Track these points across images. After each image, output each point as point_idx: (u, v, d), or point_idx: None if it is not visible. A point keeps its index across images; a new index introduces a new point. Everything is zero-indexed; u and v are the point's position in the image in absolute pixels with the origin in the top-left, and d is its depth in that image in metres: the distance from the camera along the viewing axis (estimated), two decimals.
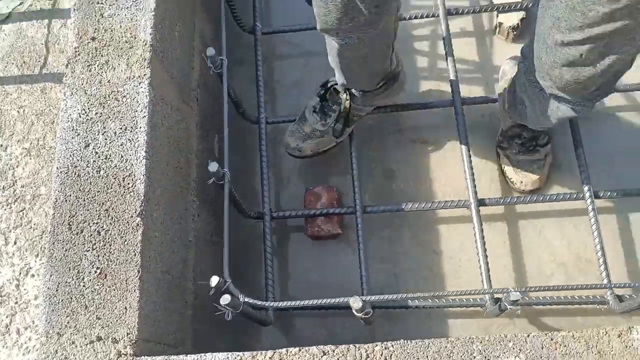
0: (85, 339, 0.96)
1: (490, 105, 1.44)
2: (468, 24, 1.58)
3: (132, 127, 1.08)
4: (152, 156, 1.08)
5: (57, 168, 1.06)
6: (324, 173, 1.47)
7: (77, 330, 0.97)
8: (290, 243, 1.44)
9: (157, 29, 1.16)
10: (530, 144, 1.36)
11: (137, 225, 1.02)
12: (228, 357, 0.94)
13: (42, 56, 1.57)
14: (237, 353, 0.94)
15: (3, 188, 1.40)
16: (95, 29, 1.15)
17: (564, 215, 1.39)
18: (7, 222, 1.37)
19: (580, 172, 1.32)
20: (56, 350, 0.96)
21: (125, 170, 1.05)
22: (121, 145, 1.07)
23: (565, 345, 0.91)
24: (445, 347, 0.92)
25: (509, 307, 1.06)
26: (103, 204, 1.04)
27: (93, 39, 1.14)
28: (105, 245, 1.01)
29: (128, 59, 1.12)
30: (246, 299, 1.07)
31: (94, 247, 1.01)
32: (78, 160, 1.07)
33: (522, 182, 1.38)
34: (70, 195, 1.05)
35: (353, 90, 1.28)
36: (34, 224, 1.38)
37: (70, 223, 1.03)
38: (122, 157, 1.06)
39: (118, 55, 1.13)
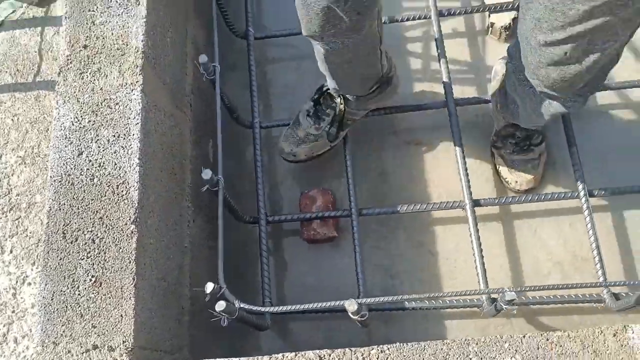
0: (81, 347, 0.96)
1: (484, 105, 1.45)
2: (460, 25, 1.58)
3: (125, 135, 1.08)
4: (146, 163, 1.08)
5: (50, 177, 1.06)
6: (319, 176, 1.47)
7: (72, 339, 0.97)
8: (286, 247, 1.44)
9: (149, 36, 1.16)
10: (524, 143, 1.37)
11: (132, 232, 1.02)
12: None
13: (36, 64, 1.57)
14: (234, 359, 0.94)
15: None
16: (87, 36, 1.15)
17: (559, 214, 1.39)
18: (3, 231, 1.37)
19: (574, 170, 1.33)
20: None
21: (119, 177, 1.05)
22: (114, 152, 1.07)
23: (561, 345, 0.91)
24: (441, 349, 0.92)
25: (504, 307, 1.06)
26: (97, 212, 1.04)
27: (85, 46, 1.14)
28: (100, 253, 1.01)
29: (120, 66, 1.12)
30: (242, 305, 1.07)
31: (89, 255, 1.01)
32: (71, 168, 1.07)
33: (516, 181, 1.38)
34: (64, 204, 1.05)
35: (347, 95, 1.28)
36: (30, 232, 1.37)
37: (65, 232, 1.03)
38: (115, 164, 1.06)
39: (110, 63, 1.13)
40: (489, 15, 1.54)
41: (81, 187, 1.05)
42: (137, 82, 1.11)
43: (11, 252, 1.36)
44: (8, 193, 1.40)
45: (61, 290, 0.99)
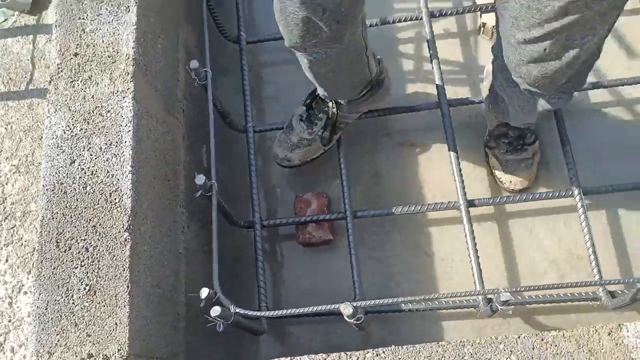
0: (76, 356, 0.96)
1: (477, 106, 1.45)
2: (452, 25, 1.58)
3: (117, 142, 1.08)
4: (139, 170, 1.08)
5: (43, 186, 1.06)
6: (313, 179, 1.47)
7: (67, 348, 0.97)
8: (281, 251, 1.44)
9: (140, 43, 1.16)
10: (518, 143, 1.37)
11: (125, 240, 1.02)
12: None
13: (28, 72, 1.57)
14: None
15: None
16: (78, 44, 1.15)
17: (554, 212, 1.40)
18: None
19: (568, 169, 1.33)
20: None
21: (111, 185, 1.05)
22: (107, 160, 1.07)
23: (556, 345, 0.91)
24: (437, 351, 0.92)
25: (500, 307, 1.06)
26: (90, 220, 1.04)
27: (75, 54, 1.14)
28: (93, 261, 1.01)
29: (111, 73, 1.12)
30: (237, 310, 1.07)
31: (83, 263, 1.01)
32: (64, 177, 1.07)
33: (511, 181, 1.38)
34: (57, 213, 1.04)
35: (338, 99, 1.29)
36: (25, 241, 1.37)
37: (58, 240, 1.03)
38: (108, 172, 1.06)
39: (101, 71, 1.13)
40: (481, 16, 1.54)
41: (74, 196, 1.05)
42: (128, 89, 1.11)
43: (7, 261, 1.36)
44: (3, 202, 1.40)
45: (55, 300, 0.99)
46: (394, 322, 1.34)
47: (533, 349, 0.91)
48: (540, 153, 1.42)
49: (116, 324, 0.97)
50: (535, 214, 1.40)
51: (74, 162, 1.07)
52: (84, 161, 1.07)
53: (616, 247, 1.35)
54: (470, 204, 1.31)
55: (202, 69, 1.24)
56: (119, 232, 1.02)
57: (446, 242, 1.39)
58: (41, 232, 1.03)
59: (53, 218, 1.04)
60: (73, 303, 0.99)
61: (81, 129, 1.09)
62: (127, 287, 0.99)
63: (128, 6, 1.17)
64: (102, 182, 1.06)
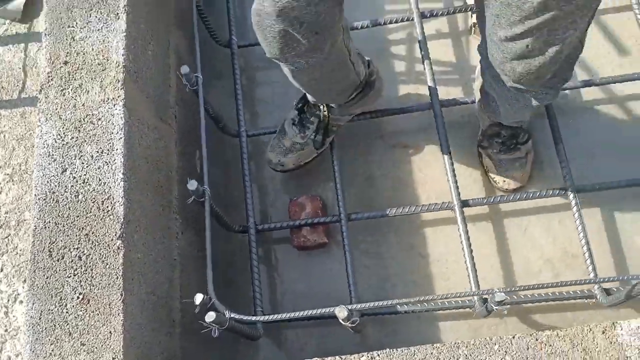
0: None
1: (470, 106, 1.45)
2: (443, 26, 1.59)
3: (108, 150, 1.08)
4: (130, 177, 1.08)
5: (35, 195, 1.06)
6: (307, 182, 1.47)
7: (62, 357, 0.96)
8: (277, 255, 1.44)
9: (130, 50, 1.16)
10: (511, 142, 1.37)
11: (118, 248, 1.02)
12: None
13: (21, 80, 1.56)
14: None
15: None
16: (67, 52, 1.15)
17: (549, 211, 1.40)
18: None
19: (561, 167, 1.33)
20: None
21: (103, 193, 1.05)
22: (98, 168, 1.07)
23: (550, 345, 0.91)
24: (431, 353, 0.92)
25: (495, 308, 1.06)
26: (83, 228, 1.03)
27: (65, 63, 1.14)
28: (86, 270, 1.01)
29: (101, 81, 1.12)
30: (232, 315, 1.07)
31: (76, 272, 1.01)
32: (56, 186, 1.06)
33: (504, 181, 1.38)
34: (49, 222, 1.04)
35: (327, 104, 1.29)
36: (20, 250, 1.37)
37: (51, 250, 1.03)
38: (100, 180, 1.06)
39: (91, 78, 1.13)
40: (472, 15, 1.54)
41: (66, 205, 1.05)
42: (119, 96, 1.11)
43: (2, 270, 1.36)
44: None
45: (49, 309, 0.99)
46: (390, 323, 1.34)
47: (527, 349, 0.91)
48: (533, 152, 1.42)
49: (110, 332, 0.97)
50: (530, 213, 1.40)
51: (65, 170, 1.07)
52: (75, 170, 1.07)
53: (611, 245, 1.35)
54: (464, 204, 1.31)
55: (193, 74, 1.24)
56: (112, 240, 1.02)
57: (441, 242, 1.39)
58: (34, 241, 1.03)
59: (45, 227, 1.04)
60: (67, 312, 0.99)
61: (72, 138, 1.09)
62: (121, 295, 0.99)
63: (117, 13, 1.17)
64: (94, 190, 1.05)
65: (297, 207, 1.40)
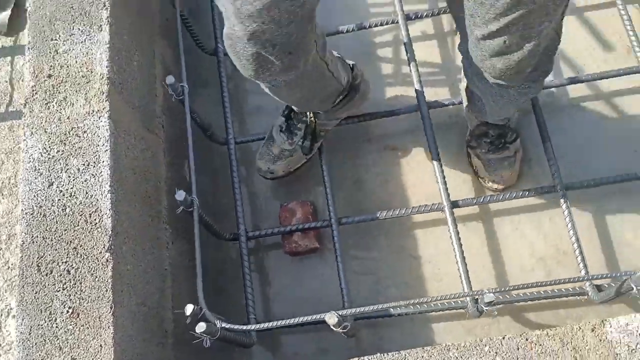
0: None
1: (458, 106, 1.45)
2: (429, 27, 1.59)
3: (94, 162, 1.07)
4: (118, 189, 1.08)
5: (22, 210, 1.06)
6: (297, 188, 1.47)
7: None
8: (269, 261, 1.44)
9: (114, 61, 1.16)
10: (499, 141, 1.37)
11: (107, 260, 1.02)
12: None
13: (8, 94, 1.56)
14: None
15: None
16: (51, 66, 1.15)
17: (539, 209, 1.40)
18: None
19: (549, 165, 1.33)
20: None
21: (90, 206, 1.05)
22: (85, 181, 1.06)
23: (540, 345, 0.91)
24: (422, 356, 0.92)
25: (485, 308, 1.06)
26: (71, 242, 1.03)
27: (49, 76, 1.14)
28: (75, 283, 1.01)
29: (86, 93, 1.12)
30: (223, 325, 1.07)
31: (65, 286, 1.01)
32: (43, 200, 1.06)
33: (494, 180, 1.39)
34: (37, 237, 1.04)
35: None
36: (11, 264, 1.36)
37: (39, 264, 1.02)
38: (87, 193, 1.06)
39: (76, 91, 1.12)
40: None
41: (53, 218, 1.05)
42: (104, 108, 1.11)
43: None
44: None
45: (38, 324, 0.99)
46: (383, 326, 1.34)
47: (518, 349, 0.91)
48: (522, 151, 1.42)
49: (101, 345, 0.97)
50: (520, 211, 1.40)
51: (52, 184, 1.07)
52: (62, 183, 1.07)
53: (602, 241, 1.36)
54: (454, 205, 1.31)
55: (178, 84, 1.24)
56: (100, 252, 1.02)
57: (433, 244, 1.39)
58: (22, 256, 1.03)
59: (33, 242, 1.04)
60: (57, 327, 0.98)
61: (58, 151, 1.09)
62: (111, 307, 0.99)
63: (100, 25, 1.16)
64: (81, 203, 1.05)
65: (287, 213, 1.40)
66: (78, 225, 1.04)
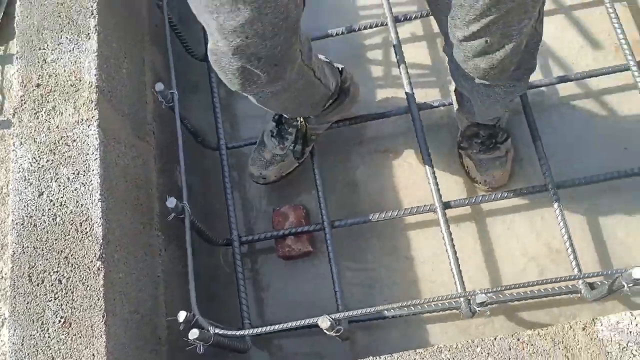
0: None
1: (449, 107, 1.46)
2: (418, 29, 1.59)
3: (84, 171, 1.07)
4: (108, 197, 1.08)
5: (12, 220, 1.06)
6: (290, 192, 1.47)
7: None
8: (262, 266, 1.44)
9: (102, 69, 1.16)
10: (490, 142, 1.37)
11: (98, 269, 1.02)
12: None
13: None
14: None
15: None
16: (40, 75, 1.15)
17: (531, 208, 1.40)
18: None
19: (540, 164, 1.33)
20: None
21: (81, 215, 1.05)
22: (75, 190, 1.06)
23: (532, 344, 0.91)
24: (415, 359, 0.92)
25: (477, 309, 1.06)
26: (62, 251, 1.03)
27: (38, 85, 1.14)
28: (67, 293, 1.01)
29: (75, 102, 1.12)
30: (216, 331, 1.07)
31: (56, 296, 1.01)
32: (33, 210, 1.06)
33: (486, 180, 1.39)
34: (27, 247, 1.04)
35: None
36: (5, 274, 1.36)
37: (30, 274, 1.02)
38: (77, 202, 1.06)
39: (64, 100, 1.12)
40: None
41: (44, 228, 1.05)
42: (93, 117, 1.10)
43: None
44: None
45: (31, 335, 0.99)
46: (378, 328, 1.34)
47: (510, 349, 0.91)
48: (513, 150, 1.42)
49: (93, 354, 0.97)
50: (512, 211, 1.41)
51: (42, 194, 1.07)
52: (52, 192, 1.07)
53: (594, 238, 1.36)
54: (446, 205, 1.31)
55: (168, 90, 1.24)
56: (92, 261, 1.02)
57: (426, 245, 1.40)
58: (13, 267, 1.03)
59: (24, 252, 1.03)
60: (49, 337, 0.98)
61: (48, 160, 1.09)
62: (103, 316, 0.99)
63: (88, 33, 1.16)
64: (71, 212, 1.05)
65: (280, 217, 1.40)
66: (69, 234, 1.04)
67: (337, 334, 1.06)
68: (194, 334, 1.02)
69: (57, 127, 1.11)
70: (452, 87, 1.38)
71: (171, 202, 1.12)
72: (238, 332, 1.10)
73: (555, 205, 1.29)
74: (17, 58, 1.16)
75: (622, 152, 1.40)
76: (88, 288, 1.01)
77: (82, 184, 1.07)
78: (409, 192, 1.43)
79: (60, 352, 0.97)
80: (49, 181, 1.07)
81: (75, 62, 1.15)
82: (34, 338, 0.99)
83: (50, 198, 1.06)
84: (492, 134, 1.36)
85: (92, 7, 1.18)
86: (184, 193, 1.19)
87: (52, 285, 1.01)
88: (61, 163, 1.08)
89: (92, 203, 1.05)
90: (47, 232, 1.04)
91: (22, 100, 1.13)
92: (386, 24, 1.48)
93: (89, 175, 1.07)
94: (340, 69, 1.30)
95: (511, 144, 1.41)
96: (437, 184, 1.31)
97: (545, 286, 1.24)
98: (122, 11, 1.31)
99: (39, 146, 1.10)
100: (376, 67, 1.57)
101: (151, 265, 1.20)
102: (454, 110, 1.41)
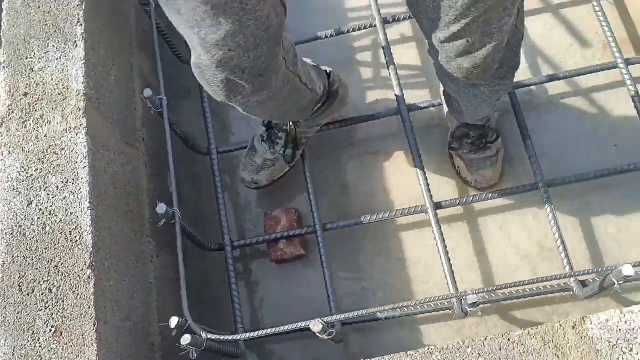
0: None
1: (439, 108, 1.46)
2: (407, 30, 1.59)
3: (73, 180, 1.07)
4: (98, 205, 1.08)
5: (1, 230, 1.05)
6: (281, 195, 1.47)
7: None
8: (255, 270, 1.44)
9: (90, 77, 1.15)
10: (480, 142, 1.38)
11: (89, 277, 1.02)
12: None
13: None
14: None
15: None
16: (27, 84, 1.14)
17: (522, 207, 1.40)
18: None
19: (531, 163, 1.34)
20: None
21: (71, 223, 1.05)
22: (64, 199, 1.06)
23: (522, 344, 0.92)
24: None
25: (469, 310, 1.06)
26: (52, 260, 1.03)
27: (25, 94, 1.14)
28: (58, 302, 1.00)
29: (63, 110, 1.12)
30: (209, 336, 1.07)
31: (47, 305, 1.00)
32: (22, 219, 1.06)
33: (477, 180, 1.39)
34: (17, 257, 1.04)
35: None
36: None
37: (21, 284, 1.02)
38: (66, 210, 1.06)
39: (52, 109, 1.12)
40: None
41: (33, 237, 1.05)
42: (81, 125, 1.10)
43: None
44: None
45: (22, 345, 0.98)
46: (372, 330, 1.34)
47: (500, 349, 0.91)
48: (504, 150, 1.43)
49: None
50: (504, 210, 1.41)
51: (31, 203, 1.07)
52: (41, 202, 1.07)
53: (586, 236, 1.36)
54: (438, 206, 1.31)
55: (156, 96, 1.24)
56: (82, 270, 1.02)
57: (418, 246, 1.40)
58: (2, 277, 1.02)
59: (14, 262, 1.03)
60: (40, 346, 0.98)
61: (36, 170, 1.09)
62: (94, 324, 0.99)
63: (75, 41, 1.16)
64: (61, 221, 1.05)
65: (272, 221, 1.40)
66: (59, 243, 1.04)
67: (330, 337, 1.06)
68: (186, 339, 1.02)
69: (46, 135, 1.11)
70: (442, 88, 1.38)
71: (161, 208, 1.12)
72: (230, 337, 1.10)
73: (546, 203, 1.29)
74: (4, 67, 1.16)
75: (612, 149, 1.41)
76: (79, 297, 1.00)
77: (71, 192, 1.06)
78: (400, 194, 1.43)
79: None
80: (38, 190, 1.07)
81: (62, 70, 1.14)
82: (25, 348, 0.98)
83: (40, 207, 1.06)
84: (482, 134, 1.36)
85: (78, 14, 1.18)
86: (175, 199, 1.19)
87: (42, 294, 1.01)
88: (50, 172, 1.08)
89: (82, 211, 1.05)
90: (37, 242, 1.04)
91: (9, 109, 1.13)
92: (375, 26, 1.48)
93: (78, 184, 1.07)
94: (328, 71, 1.30)
95: (502, 143, 1.42)
96: (428, 185, 1.31)
97: (537, 285, 1.24)
98: (109, 18, 1.31)
99: (27, 155, 1.10)
100: (366, 69, 1.57)
101: (143, 272, 1.20)
102: (444, 111, 1.41)
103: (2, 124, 1.12)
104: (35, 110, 1.12)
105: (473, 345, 0.92)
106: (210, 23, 0.79)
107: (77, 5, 1.19)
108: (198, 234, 1.31)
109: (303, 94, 1.11)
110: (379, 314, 1.24)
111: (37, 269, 1.03)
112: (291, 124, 1.31)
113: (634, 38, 1.50)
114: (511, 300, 1.28)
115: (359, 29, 1.51)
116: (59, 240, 1.04)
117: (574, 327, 0.92)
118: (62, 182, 1.07)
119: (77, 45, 1.16)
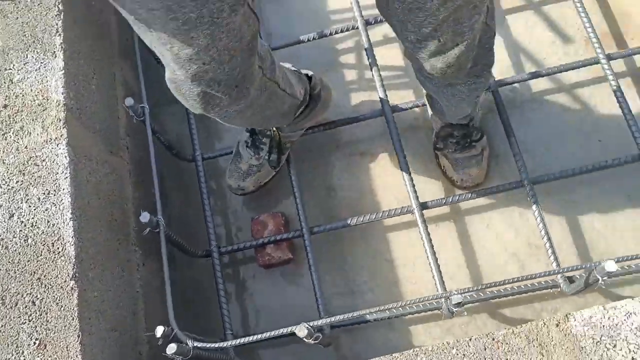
0: None
1: (423, 108, 1.46)
2: (389, 31, 1.55)
3: (55, 191, 1.07)
4: (80, 216, 1.07)
5: None
6: (268, 200, 1.47)
7: None
8: (244, 275, 1.43)
9: (70, 87, 1.15)
10: (465, 141, 1.38)
11: (72, 289, 1.01)
12: None
13: None
14: None
15: None
16: (6, 96, 1.14)
17: (508, 205, 1.41)
18: None
19: (515, 160, 1.34)
20: None
21: (53, 235, 1.04)
22: (46, 210, 1.06)
23: (507, 343, 0.92)
24: None
25: (454, 309, 1.06)
26: (34, 273, 1.02)
27: (5, 106, 1.13)
28: (41, 314, 1.00)
29: (43, 121, 1.11)
30: (196, 344, 1.06)
31: (30, 318, 1.00)
32: (4, 232, 1.05)
33: (462, 179, 1.39)
34: (0, 270, 1.03)
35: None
36: None
37: (3, 297, 1.01)
38: (48, 222, 1.05)
39: (32, 120, 1.12)
40: None
41: (15, 250, 1.04)
42: (62, 135, 1.10)
43: None
44: None
45: (6, 358, 0.98)
46: (362, 332, 1.34)
47: (485, 349, 0.91)
48: (488, 148, 1.43)
49: None
50: (490, 208, 1.41)
51: (12, 215, 1.06)
52: (22, 214, 1.06)
53: (572, 232, 1.37)
54: (424, 206, 1.31)
55: (138, 105, 1.23)
56: (65, 281, 1.01)
57: (405, 246, 1.40)
58: None
59: None
60: (24, 359, 0.98)
61: (17, 182, 1.08)
62: (78, 336, 0.98)
63: (54, 52, 1.16)
64: (43, 232, 1.04)
65: (259, 226, 1.40)
66: (41, 255, 1.03)
67: (316, 341, 1.06)
68: (171, 348, 1.01)
69: (26, 147, 1.10)
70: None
71: (144, 216, 1.12)
72: (216, 345, 1.09)
73: (532, 201, 1.30)
74: None
75: (596, 144, 1.41)
76: (62, 308, 1.00)
77: (53, 203, 1.06)
78: (386, 195, 1.43)
79: None
80: (19, 202, 1.07)
81: (42, 81, 1.14)
82: None
83: (21, 219, 1.06)
84: (466, 134, 1.37)
85: (57, 24, 1.18)
86: (159, 207, 1.19)
87: (25, 307, 1.01)
88: (31, 183, 1.08)
89: (64, 222, 1.05)
90: (19, 254, 1.04)
91: None
92: (357, 28, 1.48)
93: (60, 195, 1.06)
94: (309, 75, 1.30)
95: (486, 142, 1.42)
96: (413, 185, 1.31)
97: (524, 282, 1.24)
98: (89, 27, 1.30)
99: (7, 167, 1.09)
100: (349, 71, 1.57)
101: (129, 281, 1.19)
102: (428, 112, 1.41)
103: None
104: (15, 122, 1.12)
105: (457, 346, 0.92)
106: (182, 38, 0.79)
107: (56, 15, 1.19)
108: (185, 240, 1.30)
109: (282, 99, 1.11)
110: (367, 315, 1.24)
111: (19, 281, 1.02)
112: (275, 129, 1.30)
113: (615, 32, 1.50)
114: (499, 298, 1.28)
115: (342, 31, 1.51)
116: (41, 252, 1.04)
117: (557, 325, 0.92)
118: (44, 193, 1.07)
119: (56, 56, 1.16)
